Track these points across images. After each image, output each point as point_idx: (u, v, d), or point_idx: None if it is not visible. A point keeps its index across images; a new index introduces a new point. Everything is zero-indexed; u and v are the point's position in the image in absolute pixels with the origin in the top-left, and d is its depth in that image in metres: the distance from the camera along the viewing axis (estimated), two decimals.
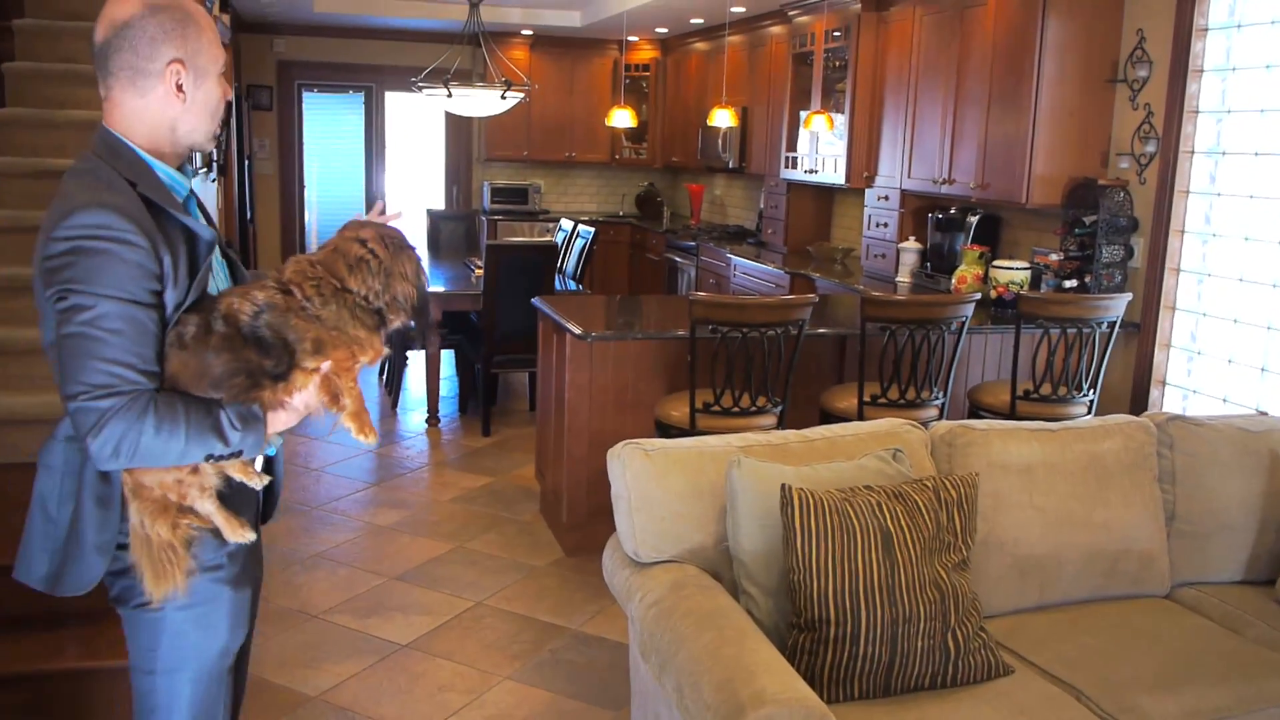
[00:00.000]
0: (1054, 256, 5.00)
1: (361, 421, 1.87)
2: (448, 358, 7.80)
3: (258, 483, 1.92)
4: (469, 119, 10.33)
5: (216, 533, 1.86)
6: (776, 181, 7.72)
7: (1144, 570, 3.07)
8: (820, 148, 6.90)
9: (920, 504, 2.52)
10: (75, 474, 1.79)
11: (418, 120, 10.95)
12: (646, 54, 10.23)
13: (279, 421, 1.83)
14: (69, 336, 1.64)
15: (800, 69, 7.24)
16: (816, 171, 6.94)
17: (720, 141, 8.47)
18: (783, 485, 2.46)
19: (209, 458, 1.75)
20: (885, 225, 6.32)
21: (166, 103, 1.78)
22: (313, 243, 10.73)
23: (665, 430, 4.07)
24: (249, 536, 1.88)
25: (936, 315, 4.06)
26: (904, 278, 6.10)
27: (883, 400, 4.15)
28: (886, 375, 4.14)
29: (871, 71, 6.38)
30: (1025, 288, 5.04)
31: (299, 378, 1.80)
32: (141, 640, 1.89)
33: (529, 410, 6.90)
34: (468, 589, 4.22)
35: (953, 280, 5.40)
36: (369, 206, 10.82)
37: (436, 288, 6.33)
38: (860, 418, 4.17)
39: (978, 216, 5.73)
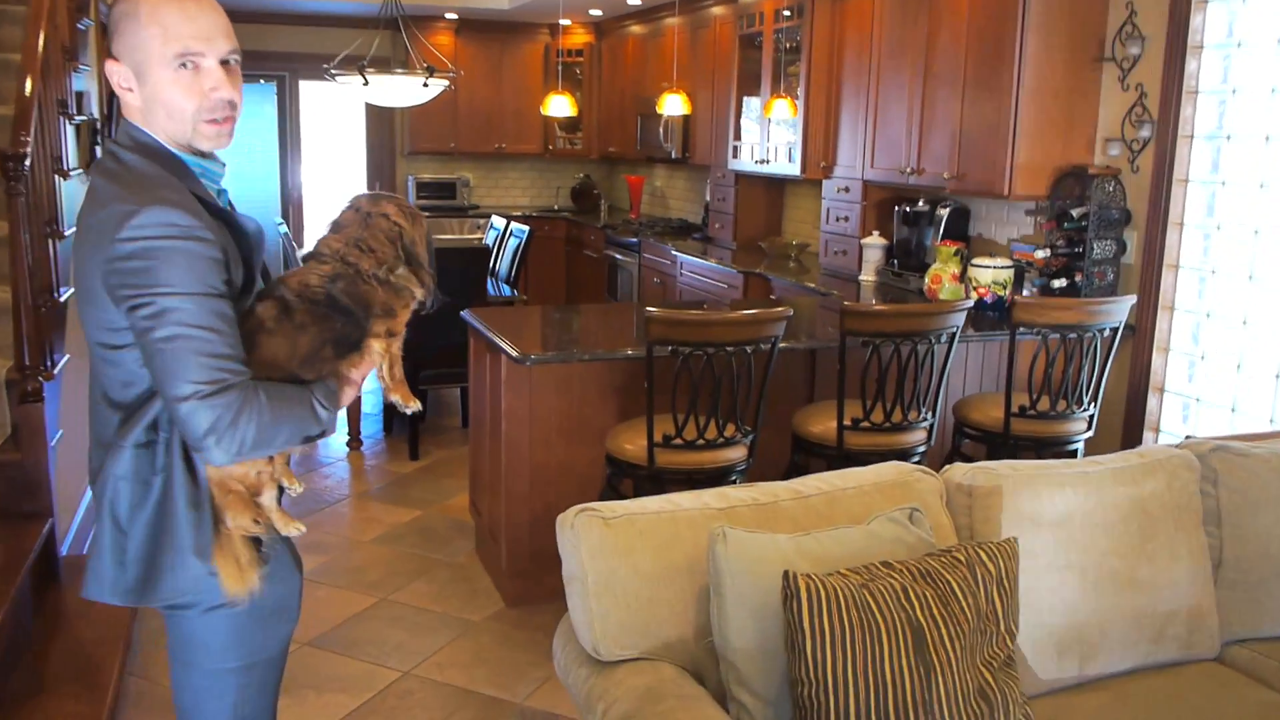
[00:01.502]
0: (1039, 253, 4.54)
1: (406, 390, 1.95)
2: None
3: (299, 488, 1.95)
4: (391, 110, 9.65)
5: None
6: (724, 172, 7.20)
7: (1193, 631, 2.60)
8: (771, 136, 6.39)
9: (954, 586, 2.00)
10: (146, 481, 1.76)
11: (336, 112, 10.24)
12: (580, 38, 9.63)
13: (347, 396, 1.86)
14: (166, 340, 1.62)
15: (748, 52, 6.72)
16: (768, 161, 6.43)
17: (662, 130, 7.93)
18: (785, 573, 1.92)
19: (305, 439, 1.78)
20: (845, 219, 5.82)
21: (131, 100, 1.76)
22: None
23: (619, 466, 3.52)
24: (301, 529, 1.92)
25: (925, 327, 3.56)
26: (868, 275, 5.61)
27: (865, 424, 3.64)
28: (869, 395, 3.63)
29: (828, 53, 5.87)
30: (1009, 288, 4.57)
31: (374, 344, 1.84)
32: (215, 641, 1.88)
33: (462, 427, 6.31)
34: (394, 654, 3.63)
35: (925, 280, 4.92)
36: (285, 205, 10.14)
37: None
38: (840, 445, 3.66)
39: (949, 209, 5.26)
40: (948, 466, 2.58)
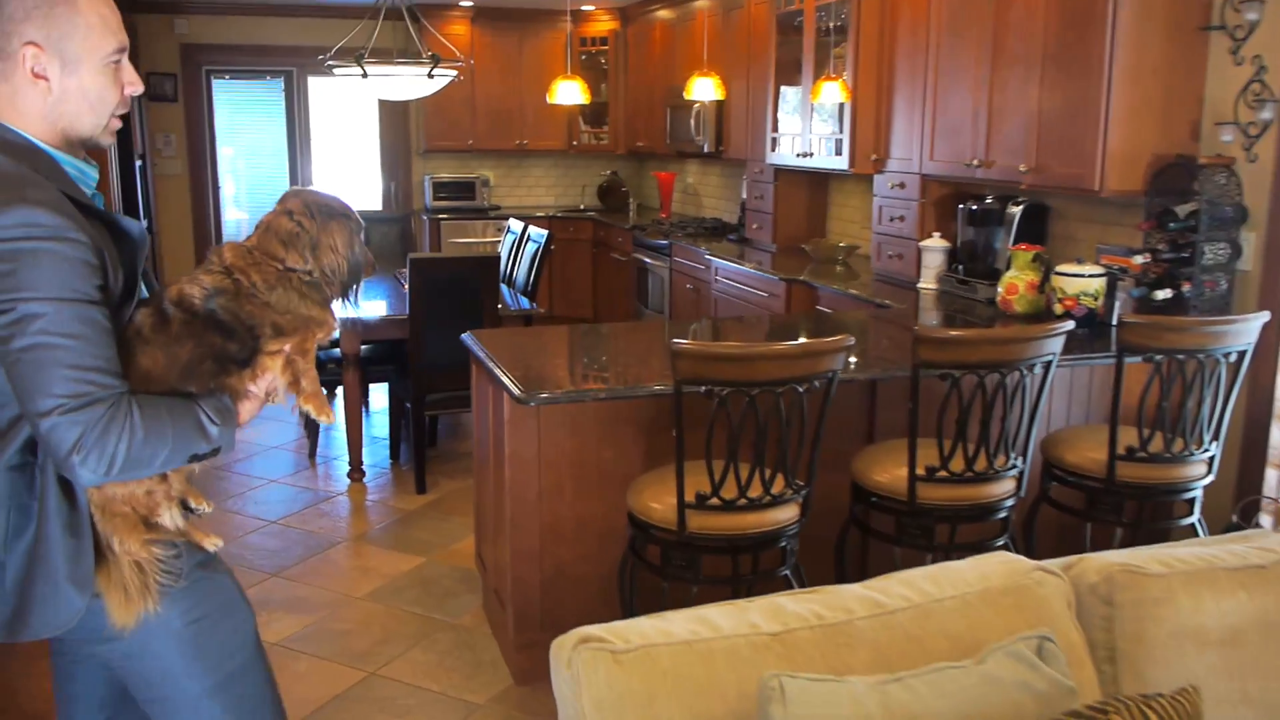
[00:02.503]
0: (1137, 259, 3.87)
1: (320, 402, 1.84)
2: (379, 392, 6.59)
3: (206, 507, 1.86)
4: (405, 106, 9.10)
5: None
6: (762, 167, 6.56)
7: None
8: (815, 127, 5.74)
9: None
10: (24, 506, 1.66)
11: (348, 109, 9.68)
12: (604, 25, 9.02)
13: (246, 412, 1.79)
14: (26, 350, 1.52)
15: (787, 35, 6.07)
16: (811, 155, 5.78)
17: (693, 122, 7.30)
18: None
19: (192, 458, 1.70)
20: (901, 219, 5.17)
21: (31, 90, 1.64)
22: None
23: (643, 529, 2.90)
24: (219, 543, 1.87)
25: (1016, 356, 2.92)
26: (929, 283, 4.95)
27: (943, 474, 3.00)
28: (946, 437, 2.99)
29: (878, 32, 5.22)
30: (1100, 300, 3.91)
31: (265, 361, 1.76)
32: (174, 665, 1.80)
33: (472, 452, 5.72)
34: None
35: (998, 289, 4.27)
36: None
37: (350, 312, 5.12)
38: (911, 499, 3.02)
39: (1021, 207, 4.60)
40: (1074, 565, 1.94)
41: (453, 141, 9.00)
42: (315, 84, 9.17)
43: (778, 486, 2.81)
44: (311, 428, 5.77)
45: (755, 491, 2.77)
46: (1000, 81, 4.36)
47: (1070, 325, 3.01)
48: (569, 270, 8.87)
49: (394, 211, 9.00)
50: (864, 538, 3.36)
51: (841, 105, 5.43)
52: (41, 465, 1.65)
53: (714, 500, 2.75)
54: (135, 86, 1.75)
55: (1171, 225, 3.75)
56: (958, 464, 3.00)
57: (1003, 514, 3.11)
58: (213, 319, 1.69)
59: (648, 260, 7.62)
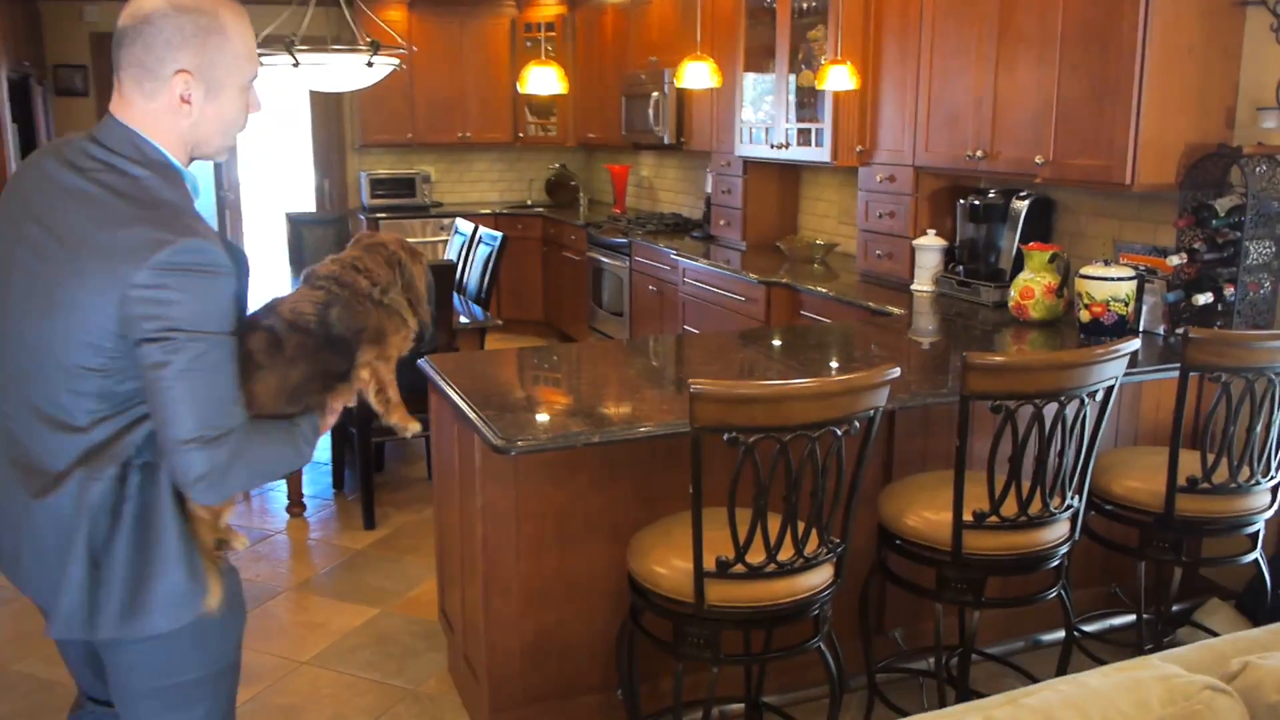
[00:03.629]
0: (1173, 259, 3.49)
1: (403, 412, 1.89)
2: None
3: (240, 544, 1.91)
4: (339, 98, 8.50)
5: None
6: (729, 160, 6.11)
7: None
8: (792, 116, 5.31)
9: None
10: (117, 509, 1.69)
11: (278, 102, 9.04)
12: (550, 11, 8.50)
13: (327, 425, 1.87)
14: (180, 376, 1.58)
15: (757, 15, 5.63)
16: (787, 146, 5.35)
17: (652, 112, 6.83)
18: None
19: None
20: (891, 215, 4.76)
21: (173, 111, 1.70)
22: None
23: (647, 599, 2.44)
24: (246, 542, 1.95)
25: (1079, 382, 2.50)
26: (924, 284, 4.55)
27: (993, 520, 2.58)
28: (993, 478, 2.57)
29: (862, 12, 4.79)
30: (1131, 305, 3.53)
31: (362, 374, 1.82)
32: (178, 655, 1.80)
33: (428, 479, 5.21)
34: None
35: (1011, 292, 3.87)
36: (220, 209, 8.97)
37: None
38: (958, 548, 2.60)
39: (1028, 201, 4.21)
40: (1240, 670, 1.52)
41: (391, 135, 8.44)
42: None
43: (811, 546, 2.36)
44: None
45: (786, 553, 2.32)
46: (1008, 64, 3.95)
47: (1136, 344, 2.60)
48: (518, 271, 8.35)
49: (328, 211, 8.41)
50: (882, 584, 2.94)
51: (821, 92, 5.00)
52: (143, 467, 1.69)
53: (738, 567, 2.29)
54: (257, 108, 1.81)
55: (1215, 222, 3.37)
56: (1009, 507, 2.59)
57: (1056, 562, 2.70)
58: (328, 331, 1.75)
59: (604, 260, 7.14)
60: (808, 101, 5.20)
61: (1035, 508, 2.60)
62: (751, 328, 4.98)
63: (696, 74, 4.34)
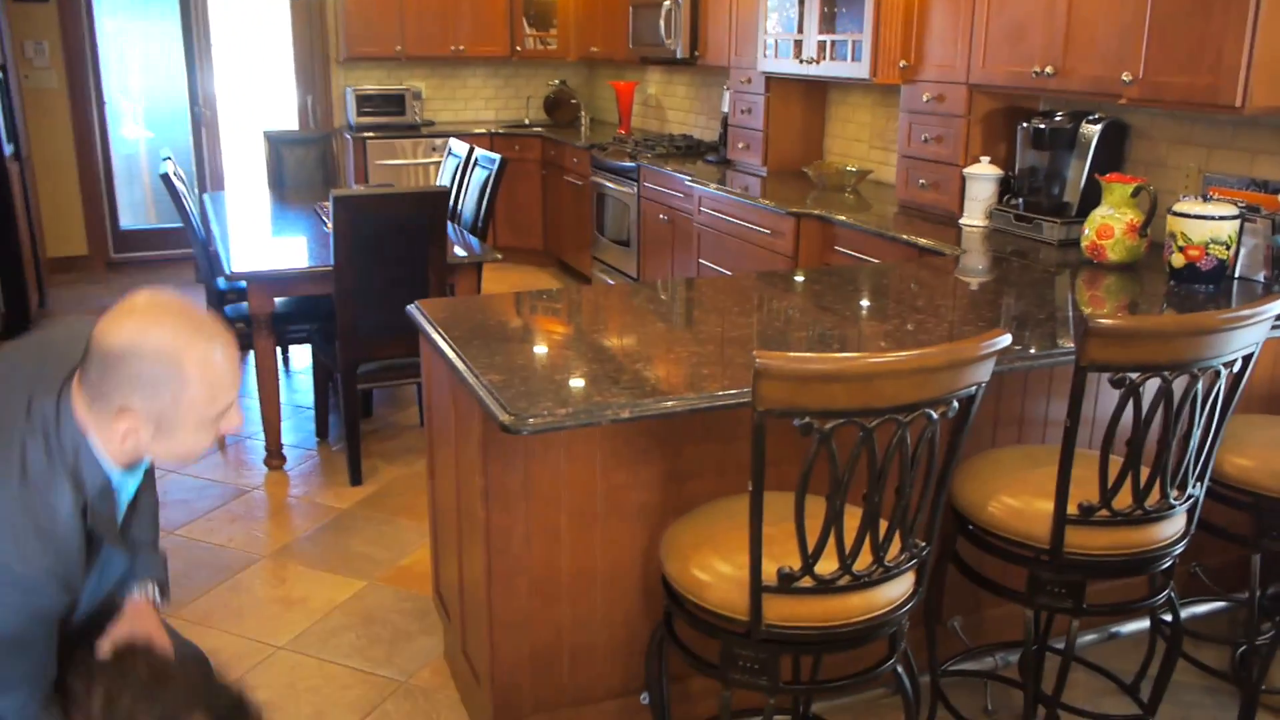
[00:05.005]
0: None
1: None
2: (302, 349, 5.54)
3: None
4: (322, 6, 7.87)
5: None
6: (749, 76, 5.56)
7: None
8: (826, 25, 4.76)
9: None
10: None
11: (254, 10, 8.40)
12: None
13: None
14: None
15: None
16: (819, 61, 4.81)
17: (663, 23, 6.24)
18: None
19: None
20: (939, 140, 4.24)
21: (117, 437, 1.60)
22: (143, 178, 8.20)
23: (687, 610, 2.00)
24: None
25: (1218, 350, 2.05)
26: (975, 219, 4.06)
27: (1103, 514, 2.14)
28: (1108, 455, 2.12)
29: None
30: (1232, 248, 3.06)
31: None
32: None
33: (420, 426, 4.76)
34: None
35: (1086, 230, 3.38)
36: (196, 126, 8.37)
37: (255, 266, 4.08)
38: (1058, 546, 2.16)
39: (1100, 125, 3.70)
40: None
41: (378, 48, 7.82)
42: None
43: (892, 552, 1.92)
44: None
45: (863, 563, 1.88)
46: None
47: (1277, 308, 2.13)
48: (516, 196, 7.82)
49: (312, 131, 7.83)
50: (946, 573, 2.51)
51: (859, 0, 4.45)
52: None
53: (805, 580, 1.85)
54: (233, 428, 1.71)
55: None
56: (1124, 500, 2.14)
57: (1168, 563, 2.27)
58: None
59: (609, 185, 6.61)
60: (843, 10, 4.64)
61: (1153, 499, 2.16)
62: (787, 269, 4.50)
63: None
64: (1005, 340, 1.83)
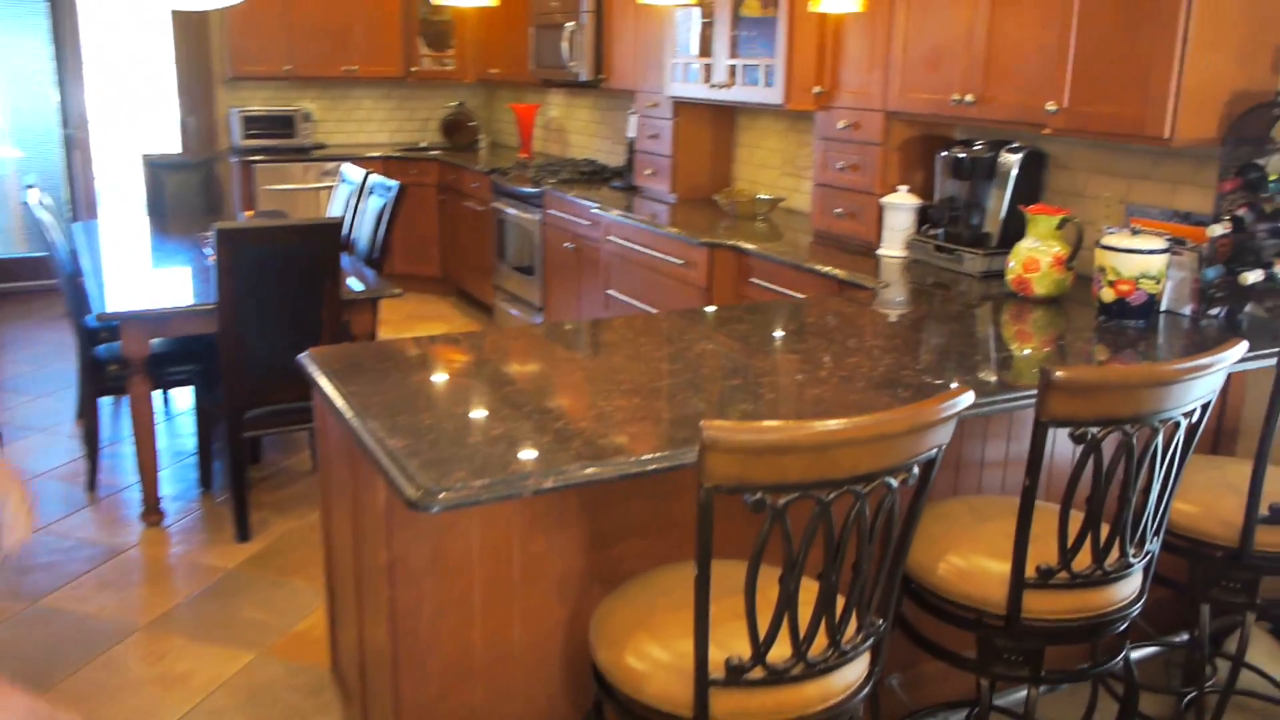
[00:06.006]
0: (1215, 228, 2.94)
1: None
2: (180, 394, 5.16)
3: None
4: (205, 22, 7.48)
5: None
6: (657, 101, 5.40)
7: None
8: (733, 50, 4.62)
9: None
10: None
11: (133, 25, 7.95)
12: None
13: None
14: None
15: None
16: (730, 85, 4.67)
17: (566, 45, 6.05)
18: None
19: None
20: (855, 168, 4.13)
21: None
22: (10, 202, 7.67)
23: (618, 700, 1.79)
24: None
25: (1178, 400, 1.92)
26: (893, 249, 3.96)
27: (1062, 576, 2.00)
28: (1068, 514, 1.99)
29: None
30: (1162, 282, 2.99)
31: None
32: None
33: (312, 472, 4.45)
34: None
35: (1011, 263, 3.29)
36: (68, 146, 7.87)
37: (129, 304, 3.74)
38: (1015, 613, 2.01)
39: (1020, 155, 3.63)
40: None
41: (265, 66, 7.46)
42: None
43: (849, 634, 1.74)
44: (91, 441, 4.36)
45: (819, 647, 1.70)
46: None
47: (1243, 348, 2.02)
48: (412, 220, 7.53)
49: (194, 154, 7.42)
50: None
51: (770, 24, 4.33)
52: None
53: (756, 671, 1.66)
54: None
55: (1272, 185, 2.83)
56: (1083, 561, 2.01)
57: (1124, 625, 2.14)
58: None
59: (511, 211, 6.38)
60: (753, 34, 4.51)
61: (1112, 558, 2.03)
62: (706, 305, 4.34)
63: None
64: (968, 399, 1.67)
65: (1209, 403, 2.02)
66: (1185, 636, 3.01)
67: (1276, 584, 2.67)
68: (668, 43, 5.12)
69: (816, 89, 4.23)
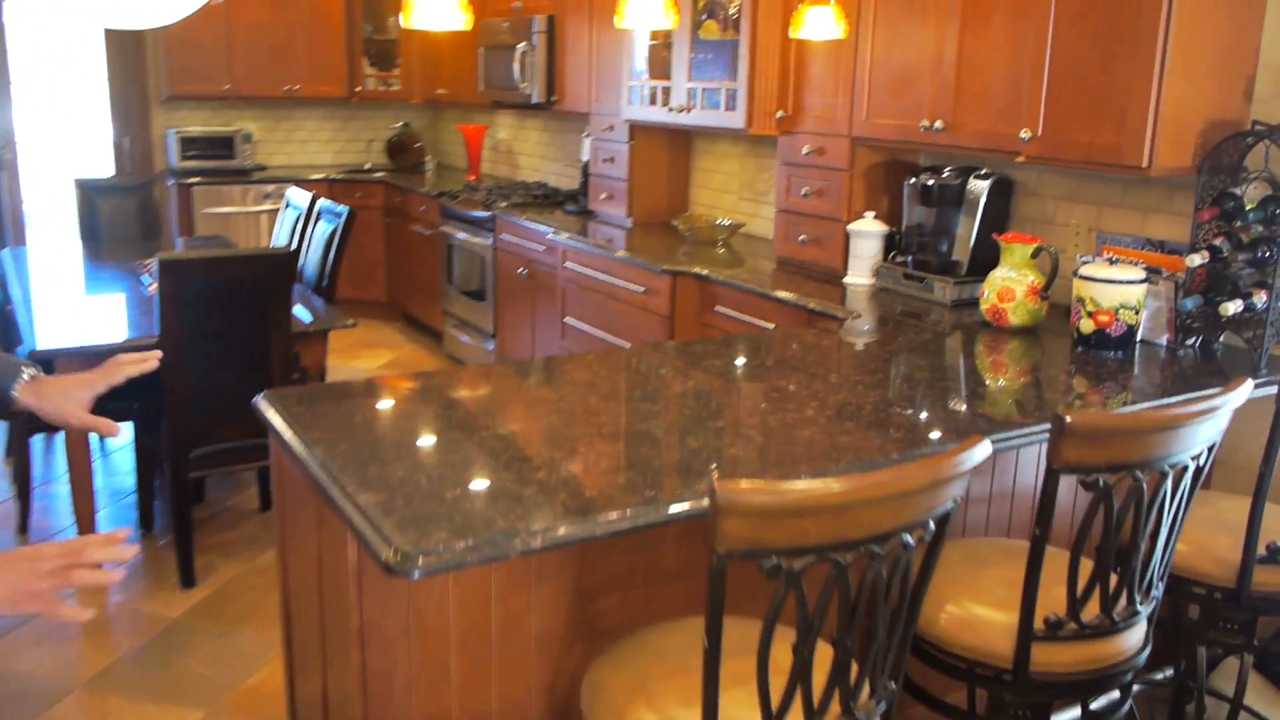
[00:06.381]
0: (1194, 258, 2.91)
1: None
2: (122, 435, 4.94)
3: None
4: (140, 40, 7.24)
5: None
6: (613, 123, 5.31)
7: None
8: (692, 73, 4.54)
9: None
10: None
11: (63, 41, 7.68)
12: None
13: None
14: None
15: None
16: (689, 109, 4.59)
17: (517, 66, 5.93)
18: None
19: None
20: (820, 194, 4.07)
21: None
22: None
23: None
24: None
25: (1185, 444, 1.86)
26: (860, 277, 3.89)
27: (1070, 628, 1.92)
28: (1078, 563, 1.91)
29: None
30: (1141, 312, 2.94)
31: None
32: None
33: (261, 511, 4.26)
34: None
35: (985, 292, 3.23)
36: None
37: (64, 340, 3.53)
38: (1023, 666, 1.92)
39: (989, 181, 3.59)
40: None
41: (204, 86, 7.24)
42: (15, 8, 7.13)
43: (863, 700, 1.63)
44: (22, 480, 4.12)
45: (833, 715, 1.59)
46: (979, 14, 3.29)
47: (1249, 386, 1.96)
48: (358, 243, 7.31)
49: (129, 177, 7.17)
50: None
51: (732, 48, 4.26)
52: None
53: None
54: None
55: (1250, 214, 2.80)
56: (1091, 611, 1.93)
57: (1130, 676, 2.07)
58: None
59: (460, 235, 6.23)
60: (712, 56, 4.44)
61: (1120, 607, 1.95)
62: (680, 341, 4.24)
63: (819, 21, 3.55)
64: (986, 450, 1.58)
65: (1215, 445, 1.96)
66: (1170, 672, 2.96)
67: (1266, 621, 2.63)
68: (624, 65, 5.03)
69: (780, 113, 4.17)
